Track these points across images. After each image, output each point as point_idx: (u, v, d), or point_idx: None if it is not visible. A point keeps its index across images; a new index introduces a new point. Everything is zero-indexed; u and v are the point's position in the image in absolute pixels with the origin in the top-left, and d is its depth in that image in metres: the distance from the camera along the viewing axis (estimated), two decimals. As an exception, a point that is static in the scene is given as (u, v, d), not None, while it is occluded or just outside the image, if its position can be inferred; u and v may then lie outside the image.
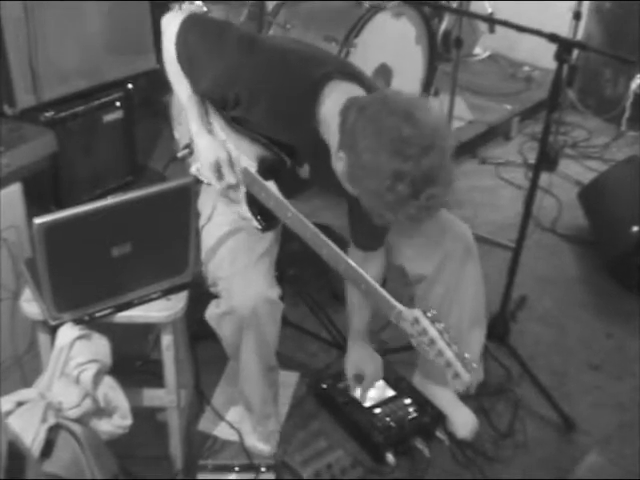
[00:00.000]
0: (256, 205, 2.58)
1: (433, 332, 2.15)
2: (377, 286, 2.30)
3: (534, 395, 3.21)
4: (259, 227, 2.62)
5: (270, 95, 2.35)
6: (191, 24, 2.49)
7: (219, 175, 2.55)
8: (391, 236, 2.75)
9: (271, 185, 2.50)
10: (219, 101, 2.50)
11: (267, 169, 2.53)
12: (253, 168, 2.54)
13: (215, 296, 2.65)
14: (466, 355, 2.16)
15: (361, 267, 2.32)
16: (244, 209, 2.62)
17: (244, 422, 2.92)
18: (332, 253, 2.33)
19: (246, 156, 2.56)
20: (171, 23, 2.50)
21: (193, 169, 2.69)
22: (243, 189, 2.59)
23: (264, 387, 2.80)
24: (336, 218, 3.21)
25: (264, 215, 2.59)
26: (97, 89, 3.34)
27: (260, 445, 2.88)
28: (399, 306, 2.23)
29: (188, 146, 2.74)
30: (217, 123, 2.62)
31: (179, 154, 2.78)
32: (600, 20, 5.69)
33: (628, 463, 2.94)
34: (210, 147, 2.55)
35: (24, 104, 3.08)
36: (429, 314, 2.17)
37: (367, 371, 2.79)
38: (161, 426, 2.77)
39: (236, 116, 2.49)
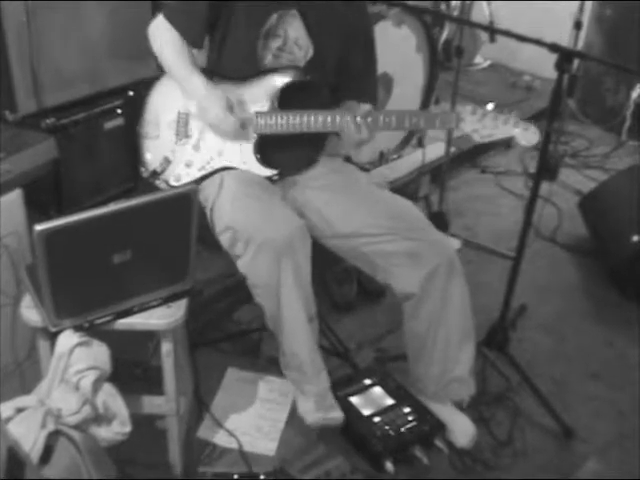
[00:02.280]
0: (263, 153, 2.86)
1: (490, 111, 2.63)
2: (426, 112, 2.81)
3: (533, 404, 3.20)
4: (270, 174, 2.88)
5: None
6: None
7: (232, 113, 2.78)
8: (377, 256, 2.83)
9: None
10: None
11: (285, 94, 2.82)
12: (266, 107, 2.83)
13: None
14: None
15: None
16: (252, 161, 2.86)
17: (298, 399, 2.97)
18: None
19: (259, 103, 2.83)
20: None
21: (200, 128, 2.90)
22: (254, 137, 2.84)
23: (310, 336, 2.83)
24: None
25: (271, 163, 2.88)
26: (98, 96, 3.35)
27: (324, 414, 2.91)
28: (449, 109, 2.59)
29: (165, 159, 2.92)
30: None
31: (159, 168, 2.88)
32: (600, 30, 5.70)
33: (627, 471, 2.94)
34: (217, 95, 2.77)
35: (25, 110, 3.08)
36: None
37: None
38: (160, 433, 2.77)
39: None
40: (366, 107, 2.81)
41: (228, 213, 2.72)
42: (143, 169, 2.96)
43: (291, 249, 2.64)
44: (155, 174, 2.91)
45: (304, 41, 2.84)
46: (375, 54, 3.06)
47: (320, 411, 2.90)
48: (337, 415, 2.92)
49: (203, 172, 2.88)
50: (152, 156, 2.95)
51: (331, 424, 2.92)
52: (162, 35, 2.83)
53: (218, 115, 2.77)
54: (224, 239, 2.73)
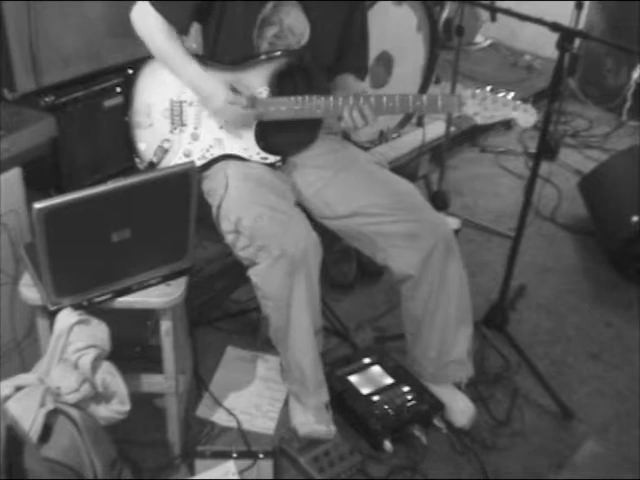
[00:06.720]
0: (263, 138, 2.84)
1: (489, 94, 2.63)
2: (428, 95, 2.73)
3: (532, 384, 3.21)
4: (273, 161, 2.86)
5: None
6: None
7: (236, 99, 2.74)
8: (376, 237, 2.83)
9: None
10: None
11: (282, 78, 2.80)
12: (264, 93, 2.79)
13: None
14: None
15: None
16: (254, 147, 2.84)
17: (295, 410, 2.94)
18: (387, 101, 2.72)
19: (256, 89, 2.79)
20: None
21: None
22: (254, 124, 2.82)
23: (315, 349, 2.80)
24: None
25: (272, 147, 2.86)
26: (97, 74, 3.33)
27: (319, 427, 2.87)
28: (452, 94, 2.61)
29: (160, 148, 2.88)
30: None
31: (154, 158, 2.84)
32: (602, 10, 5.68)
33: (626, 451, 2.95)
34: (219, 80, 2.75)
35: (24, 88, 3.06)
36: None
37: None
38: (159, 412, 2.78)
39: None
40: (363, 86, 2.80)
41: (237, 218, 2.66)
42: (138, 160, 2.90)
43: (306, 263, 2.62)
44: (152, 165, 2.87)
45: (298, 28, 2.81)
46: (368, 28, 3.04)
47: (318, 424, 2.87)
48: (332, 430, 2.88)
49: (203, 161, 2.84)
50: (147, 146, 2.89)
51: (325, 439, 2.87)
52: (147, 21, 2.75)
53: (228, 98, 2.72)
54: (230, 238, 2.71)
